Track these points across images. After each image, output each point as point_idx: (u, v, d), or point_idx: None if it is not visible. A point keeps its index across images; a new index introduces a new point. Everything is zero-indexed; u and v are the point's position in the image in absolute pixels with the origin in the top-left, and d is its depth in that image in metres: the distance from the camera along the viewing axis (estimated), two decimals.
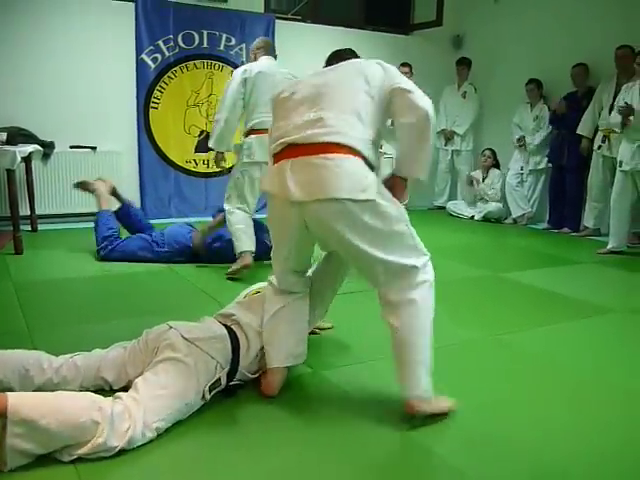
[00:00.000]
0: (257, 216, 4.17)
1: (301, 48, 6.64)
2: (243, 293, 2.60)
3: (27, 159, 4.89)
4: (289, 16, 6.66)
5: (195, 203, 6.25)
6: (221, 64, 6.20)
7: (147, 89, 5.95)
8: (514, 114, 6.65)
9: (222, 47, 6.20)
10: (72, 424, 1.67)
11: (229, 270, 3.80)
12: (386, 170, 2.16)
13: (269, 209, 2.13)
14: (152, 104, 5.98)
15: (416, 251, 2.01)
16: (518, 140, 6.57)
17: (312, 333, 2.56)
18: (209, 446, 1.87)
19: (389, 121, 2.11)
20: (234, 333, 2.17)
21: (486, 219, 6.77)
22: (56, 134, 5.35)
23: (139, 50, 5.85)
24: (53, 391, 1.86)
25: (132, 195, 5.94)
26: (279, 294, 2.24)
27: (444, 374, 2.15)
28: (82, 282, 3.74)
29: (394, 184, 2.05)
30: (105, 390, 2.06)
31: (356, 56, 2.34)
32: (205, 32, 6.07)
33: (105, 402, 1.78)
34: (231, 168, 4.10)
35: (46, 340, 2.60)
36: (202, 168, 6.27)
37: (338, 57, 2.31)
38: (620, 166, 5.05)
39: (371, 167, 1.96)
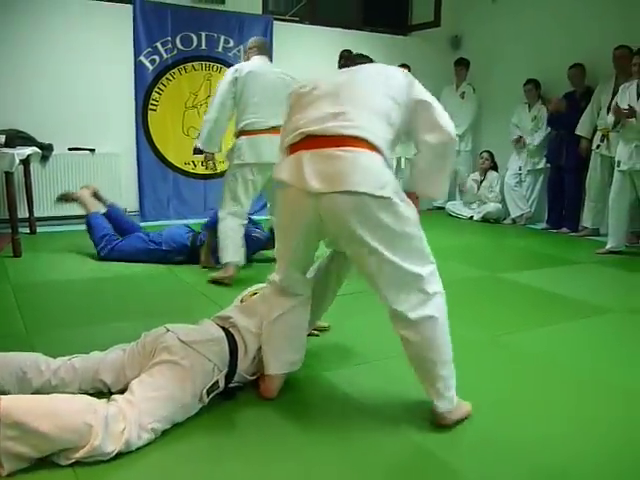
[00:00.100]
0: (256, 217, 4.19)
1: (299, 49, 6.65)
2: (240, 296, 2.59)
3: (25, 161, 4.89)
4: (287, 17, 6.67)
5: (194, 205, 6.25)
6: (219, 66, 6.20)
7: (145, 91, 5.94)
8: (512, 114, 6.66)
9: (220, 49, 6.20)
10: (66, 427, 1.66)
11: (212, 275, 3.78)
12: None
13: (280, 200, 2.07)
14: (150, 106, 5.98)
15: (424, 257, 1.96)
16: (516, 141, 6.57)
17: (309, 334, 2.55)
18: (207, 449, 1.86)
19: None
20: (232, 335, 2.17)
21: (485, 219, 6.77)
22: (54, 136, 5.34)
23: (137, 52, 5.84)
24: (51, 393, 1.86)
25: (131, 197, 5.98)
26: (280, 295, 2.19)
27: None
28: (81, 284, 3.74)
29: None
30: (103, 392, 2.06)
31: (370, 60, 2.31)
32: (203, 34, 6.07)
33: (99, 405, 1.77)
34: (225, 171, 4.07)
35: (44, 342, 2.59)
36: (201, 170, 6.26)
37: (351, 60, 2.25)
38: (618, 166, 5.06)
39: (388, 166, 1.95)
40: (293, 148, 1.98)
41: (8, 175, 4.25)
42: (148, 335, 2.13)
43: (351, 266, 2.36)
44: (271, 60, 3.94)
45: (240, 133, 3.82)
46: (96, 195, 4.62)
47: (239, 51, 6.24)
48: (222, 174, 4.47)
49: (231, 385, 2.14)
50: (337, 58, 7.33)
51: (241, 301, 2.44)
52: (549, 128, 6.32)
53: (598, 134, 5.68)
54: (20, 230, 4.45)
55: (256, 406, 2.14)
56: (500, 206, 6.79)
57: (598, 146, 5.67)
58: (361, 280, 2.07)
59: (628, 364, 2.68)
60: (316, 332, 2.74)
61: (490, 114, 7.14)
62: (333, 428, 2.00)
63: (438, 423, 2.00)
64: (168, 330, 2.09)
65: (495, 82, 7.09)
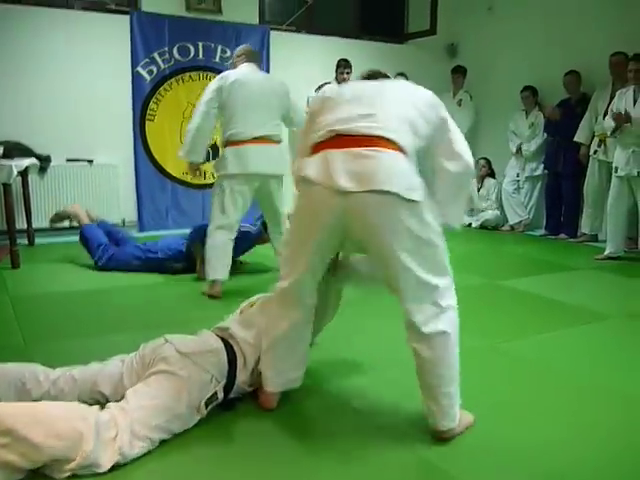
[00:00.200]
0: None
1: (296, 58, 6.67)
2: (240, 307, 2.54)
3: (24, 173, 4.90)
4: (284, 27, 6.69)
5: (192, 215, 6.25)
6: (217, 75, 6.20)
7: (143, 101, 5.96)
8: (509, 121, 6.68)
9: (217, 59, 6.22)
10: (56, 434, 1.65)
11: (203, 290, 3.75)
12: None
13: (302, 198, 1.98)
14: (148, 116, 5.99)
15: (442, 268, 1.95)
16: (517, 150, 6.58)
17: None
18: (206, 460, 1.86)
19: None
20: (231, 346, 2.16)
21: (483, 227, 6.77)
22: (52, 148, 5.34)
23: (134, 63, 5.87)
24: None
25: (129, 208, 5.98)
26: (285, 305, 2.11)
27: None
28: (79, 295, 3.73)
29: None
30: (102, 403, 2.04)
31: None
32: (200, 44, 6.10)
33: (90, 412, 1.77)
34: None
35: (43, 354, 2.58)
36: (199, 180, 6.27)
37: (377, 74, 2.23)
38: (616, 172, 5.07)
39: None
40: (319, 147, 1.93)
41: (6, 187, 4.26)
42: (147, 346, 2.12)
43: (351, 282, 2.35)
44: (268, 68, 3.92)
45: (226, 143, 3.76)
46: (88, 215, 4.64)
47: None
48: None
49: (230, 396, 2.13)
50: (334, 67, 7.41)
51: (240, 312, 2.42)
52: (546, 135, 6.34)
53: (595, 140, 5.69)
54: (18, 241, 4.45)
55: (255, 417, 2.13)
56: (498, 213, 6.79)
57: (595, 152, 5.68)
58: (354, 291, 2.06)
59: (627, 370, 2.68)
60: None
61: (487, 121, 7.16)
62: (333, 440, 1.99)
63: (438, 438, 1.99)
64: (167, 341, 2.08)
65: (492, 89, 7.11)
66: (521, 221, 6.64)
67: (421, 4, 7.38)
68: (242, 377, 2.16)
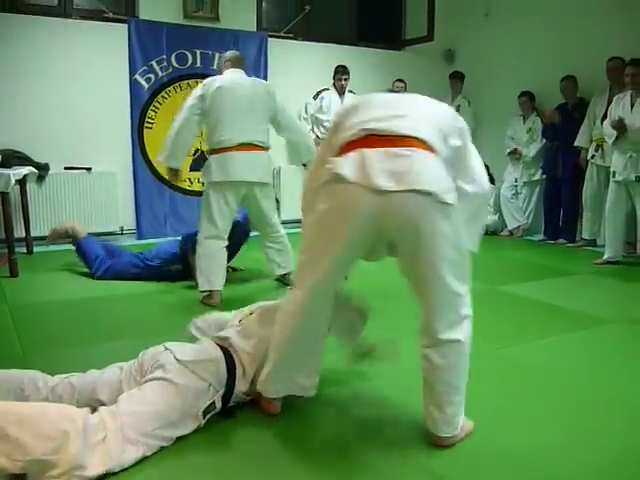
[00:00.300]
0: (255, 233, 4.18)
1: (294, 65, 6.70)
2: (239, 316, 2.52)
3: (22, 181, 4.90)
4: (281, 34, 6.70)
5: (191, 222, 6.19)
6: None
7: (141, 109, 5.97)
8: (507, 127, 6.69)
9: (215, 66, 6.21)
10: (42, 434, 1.64)
11: (201, 300, 3.71)
12: None
13: (331, 199, 1.88)
14: (146, 124, 5.99)
15: (465, 275, 1.93)
16: (511, 153, 6.59)
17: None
18: (203, 468, 1.85)
19: None
20: (230, 356, 2.15)
21: None
22: (51, 156, 5.36)
23: (132, 71, 5.87)
24: None
25: (128, 215, 5.98)
26: (298, 316, 2.03)
27: None
28: (78, 304, 3.72)
29: None
30: None
31: None
32: (198, 51, 6.11)
33: (79, 414, 1.76)
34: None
35: (41, 363, 2.56)
36: (197, 187, 6.27)
37: (395, 92, 2.26)
38: (613, 177, 5.07)
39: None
40: (352, 145, 1.88)
41: (4, 195, 4.25)
42: (146, 353, 2.12)
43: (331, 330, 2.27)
44: (265, 75, 3.90)
45: (211, 151, 3.74)
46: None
47: None
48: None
49: (230, 405, 2.13)
50: (332, 73, 7.42)
51: (239, 321, 2.41)
52: (544, 140, 6.35)
53: (593, 144, 5.71)
54: (17, 250, 4.44)
55: (256, 425, 2.11)
56: (497, 218, 6.79)
57: (593, 156, 5.69)
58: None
59: (628, 375, 2.67)
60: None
61: (485, 127, 7.16)
62: (332, 448, 1.98)
63: (437, 444, 1.98)
64: (166, 348, 2.08)
65: (490, 95, 7.12)
66: (520, 226, 6.65)
67: (418, 10, 7.40)
68: (241, 387, 2.15)
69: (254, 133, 3.73)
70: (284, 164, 6.45)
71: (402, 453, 1.94)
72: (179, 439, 1.95)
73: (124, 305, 3.73)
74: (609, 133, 5.10)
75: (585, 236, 5.91)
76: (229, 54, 3.96)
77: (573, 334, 3.25)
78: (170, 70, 6.02)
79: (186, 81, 6.12)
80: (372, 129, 1.85)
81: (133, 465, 1.79)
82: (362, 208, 1.80)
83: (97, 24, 5.72)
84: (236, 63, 3.89)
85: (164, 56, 5.99)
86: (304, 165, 4.22)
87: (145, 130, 5.99)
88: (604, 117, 5.34)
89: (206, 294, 3.66)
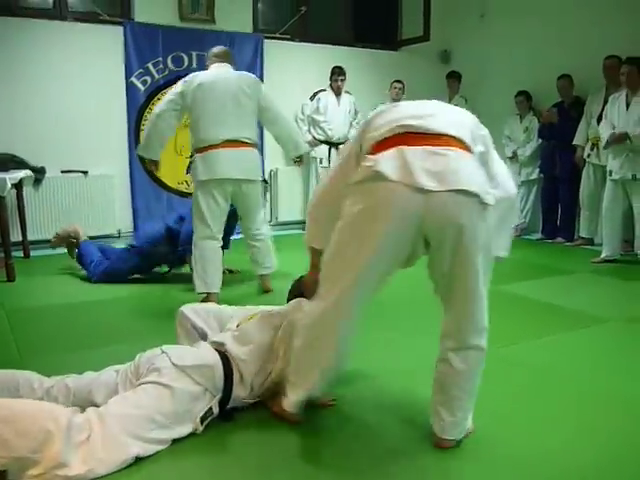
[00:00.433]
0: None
1: (290, 66, 6.69)
2: (237, 320, 2.46)
3: (18, 185, 4.88)
4: (277, 35, 6.69)
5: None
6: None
7: (137, 112, 5.95)
8: (504, 126, 6.68)
9: None
10: (23, 432, 1.63)
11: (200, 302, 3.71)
12: None
13: (366, 198, 1.77)
14: (143, 127, 5.95)
15: (488, 280, 1.89)
16: (513, 155, 6.58)
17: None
18: (199, 471, 1.84)
19: None
20: (228, 360, 2.12)
21: None
22: (47, 159, 5.34)
23: (128, 73, 5.86)
24: None
25: (125, 218, 5.97)
26: (326, 331, 1.92)
27: None
28: (75, 308, 3.71)
29: None
30: None
31: None
32: (194, 53, 6.09)
33: (63, 412, 1.75)
34: None
35: (38, 367, 2.52)
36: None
37: None
38: (610, 175, 5.08)
39: None
40: (387, 143, 1.79)
41: (0, 199, 4.23)
42: (143, 356, 2.10)
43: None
44: (262, 76, 3.85)
45: (196, 150, 3.69)
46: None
47: None
48: None
49: (228, 407, 2.12)
50: (329, 74, 7.41)
51: (237, 325, 2.39)
52: (540, 139, 6.35)
53: (588, 143, 5.71)
54: (14, 254, 4.42)
55: (255, 428, 2.10)
56: None
57: (589, 155, 5.70)
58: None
59: (627, 373, 2.67)
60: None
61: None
62: (334, 449, 1.96)
63: (439, 445, 1.97)
64: (163, 352, 2.07)
65: (486, 94, 7.12)
66: (517, 225, 6.63)
67: (414, 11, 7.40)
68: (239, 392, 2.13)
69: (239, 129, 3.65)
70: (281, 166, 6.48)
71: (405, 455, 1.93)
72: (175, 442, 1.94)
73: (121, 308, 3.71)
74: (604, 136, 5.10)
75: (583, 234, 5.92)
76: (215, 49, 3.88)
77: (572, 333, 3.24)
78: (166, 72, 6.01)
79: None
80: (408, 126, 1.79)
81: (127, 467, 1.78)
82: (404, 207, 1.72)
83: (92, 26, 5.70)
84: (222, 57, 3.80)
85: (160, 58, 5.98)
86: (295, 162, 4.18)
87: (142, 133, 5.93)
88: (600, 116, 5.35)
89: (204, 296, 3.64)
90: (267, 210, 6.79)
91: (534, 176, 6.53)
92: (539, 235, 6.44)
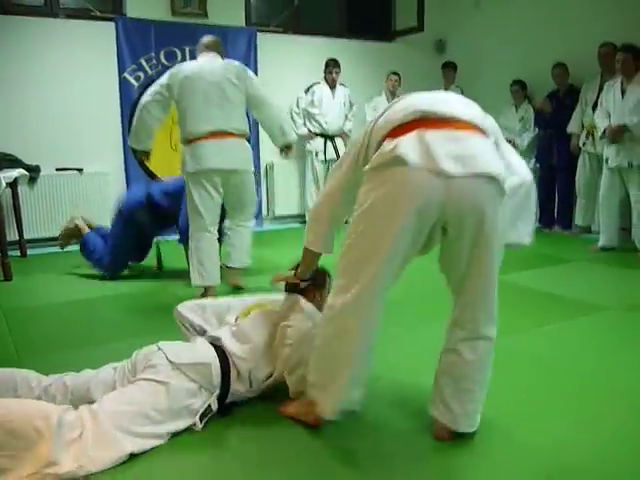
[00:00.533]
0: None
1: (284, 60, 6.66)
2: (235, 313, 2.45)
3: (13, 184, 4.86)
4: (271, 28, 6.66)
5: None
6: None
7: (131, 108, 5.90)
8: (500, 116, 6.66)
9: None
10: (13, 432, 1.64)
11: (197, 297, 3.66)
12: None
13: (386, 184, 1.70)
14: None
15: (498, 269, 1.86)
16: (510, 144, 6.57)
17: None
18: (196, 466, 1.84)
19: None
20: (225, 355, 2.11)
21: None
22: (42, 157, 5.32)
23: (121, 69, 5.84)
24: None
25: None
26: (350, 325, 1.81)
27: None
28: (72, 306, 3.70)
29: None
30: None
31: None
32: (187, 48, 6.05)
33: (54, 410, 1.75)
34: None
35: (36, 366, 2.51)
36: None
37: None
38: (607, 163, 5.07)
39: None
40: (406, 127, 1.73)
41: None
42: (140, 353, 2.10)
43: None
44: (256, 70, 3.79)
45: (184, 143, 3.67)
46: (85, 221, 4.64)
47: None
48: None
49: (227, 402, 2.11)
50: (323, 67, 7.37)
51: (235, 320, 2.38)
52: (537, 128, 6.34)
53: (584, 131, 5.70)
54: (10, 253, 4.41)
55: (253, 424, 2.09)
56: None
57: (584, 143, 5.69)
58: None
59: (629, 362, 2.67)
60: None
61: None
62: (336, 447, 1.95)
63: (438, 436, 1.96)
64: (159, 348, 2.06)
65: (482, 84, 7.09)
66: None
67: (407, 1, 7.37)
68: (238, 387, 2.12)
69: (226, 120, 3.61)
70: (277, 159, 6.45)
71: (404, 446, 1.93)
72: (171, 438, 1.94)
73: (119, 306, 3.71)
74: (599, 125, 5.09)
75: (579, 223, 5.92)
76: (204, 39, 3.83)
77: (572, 321, 3.25)
78: (159, 68, 5.96)
79: None
80: (425, 111, 1.74)
81: (123, 462, 1.78)
82: (426, 193, 1.66)
83: (84, 23, 5.67)
84: (211, 48, 3.76)
85: (153, 54, 5.95)
86: (281, 151, 4.00)
87: None
88: (595, 104, 5.33)
89: (201, 291, 3.63)
90: (263, 204, 6.79)
91: (531, 166, 6.49)
92: (537, 224, 6.43)
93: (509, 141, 6.50)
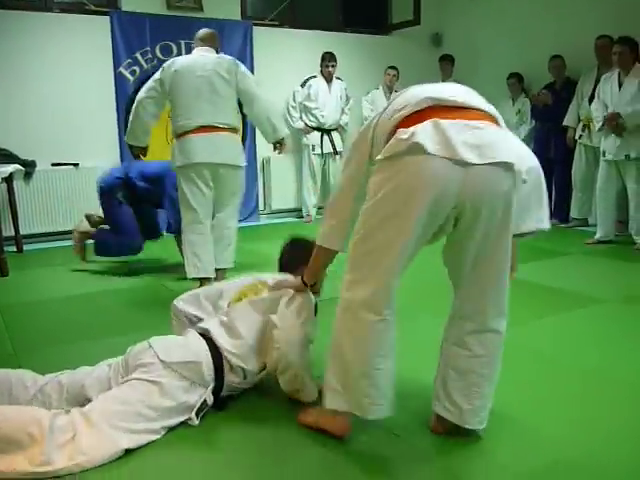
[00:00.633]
0: (244, 224, 4.13)
1: (280, 53, 6.64)
2: (227, 297, 2.40)
3: (8, 179, 4.85)
4: (267, 22, 6.63)
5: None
6: None
7: (127, 102, 5.88)
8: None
9: None
10: (6, 438, 1.65)
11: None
12: None
13: (401, 174, 1.66)
14: None
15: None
16: None
17: None
18: (192, 463, 1.83)
19: None
20: (217, 348, 2.09)
21: None
22: (37, 152, 5.31)
23: (117, 64, 5.81)
24: None
25: None
26: (370, 320, 1.74)
27: None
28: (69, 301, 3.69)
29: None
30: None
31: None
32: (182, 42, 6.02)
33: (46, 415, 1.75)
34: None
35: (33, 362, 2.54)
36: None
37: None
38: (604, 156, 5.06)
39: None
40: (419, 116, 1.68)
41: None
42: (133, 349, 2.09)
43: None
44: (252, 64, 3.77)
45: (174, 136, 3.68)
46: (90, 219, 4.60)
47: None
48: None
49: (223, 394, 2.11)
50: (319, 60, 7.35)
51: (228, 305, 2.34)
52: (533, 121, 6.33)
53: (580, 124, 5.70)
54: (7, 249, 4.40)
55: (249, 419, 2.09)
56: None
57: (580, 136, 5.69)
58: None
59: (629, 354, 2.68)
60: None
61: None
62: (335, 446, 1.92)
63: (436, 429, 1.95)
64: (151, 346, 2.04)
65: (479, 77, 7.06)
66: None
67: None
68: (232, 378, 2.11)
69: (216, 114, 3.59)
70: (273, 153, 6.42)
71: (406, 444, 1.92)
72: (166, 434, 1.94)
73: (116, 300, 3.70)
74: (596, 117, 5.08)
75: (575, 216, 5.91)
76: (200, 32, 3.83)
77: (571, 314, 3.26)
78: (155, 62, 5.93)
79: None
80: (437, 99, 1.71)
81: (118, 458, 1.78)
82: (443, 183, 1.62)
83: (79, 17, 5.63)
84: (207, 41, 3.76)
85: (148, 48, 5.92)
86: (275, 148, 3.96)
87: None
88: (592, 97, 5.33)
89: (198, 283, 3.63)
90: (260, 198, 6.78)
91: None
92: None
93: None
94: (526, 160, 1.86)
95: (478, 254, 1.76)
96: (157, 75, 3.66)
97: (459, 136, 1.62)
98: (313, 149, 6.63)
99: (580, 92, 5.74)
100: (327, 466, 1.82)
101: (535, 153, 6.03)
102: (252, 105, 3.76)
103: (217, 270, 3.79)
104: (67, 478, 1.68)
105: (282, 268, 2.48)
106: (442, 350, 1.92)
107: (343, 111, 6.72)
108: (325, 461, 1.84)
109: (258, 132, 5.90)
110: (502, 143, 1.69)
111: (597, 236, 5.15)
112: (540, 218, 1.97)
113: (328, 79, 6.57)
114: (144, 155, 3.95)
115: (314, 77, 6.62)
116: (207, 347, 2.08)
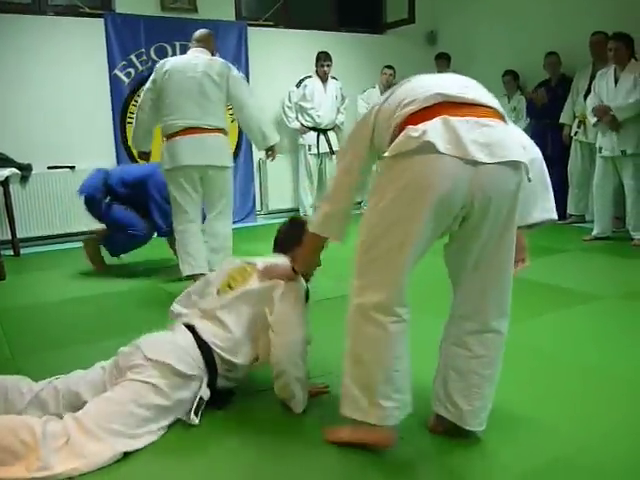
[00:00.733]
0: (240, 225, 4.12)
1: (275, 54, 6.63)
2: (217, 283, 2.35)
3: (4, 183, 4.84)
4: (261, 22, 6.62)
5: None
6: None
7: (122, 105, 5.89)
8: None
9: None
10: (1, 446, 1.65)
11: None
12: None
13: (410, 172, 1.62)
14: (128, 119, 5.91)
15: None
16: None
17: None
18: (192, 464, 1.82)
19: None
20: (204, 342, 2.09)
21: None
22: (33, 156, 5.30)
23: (112, 66, 5.80)
24: (34, 415, 1.85)
25: None
26: (385, 323, 1.71)
27: None
28: (67, 305, 3.68)
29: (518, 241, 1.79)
30: None
31: None
32: (177, 43, 6.02)
33: (38, 423, 1.75)
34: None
35: (31, 366, 2.55)
36: None
37: None
38: (600, 152, 5.06)
39: None
40: (428, 113, 1.65)
41: None
42: (122, 351, 2.08)
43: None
44: (247, 64, 3.76)
45: (164, 138, 3.67)
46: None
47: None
48: None
49: (221, 386, 2.10)
50: (314, 60, 7.34)
51: (217, 292, 2.30)
52: (529, 119, 6.33)
53: (575, 121, 5.70)
54: (3, 253, 4.39)
55: (248, 419, 2.08)
56: None
57: (576, 133, 5.69)
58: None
59: (629, 350, 2.68)
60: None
61: None
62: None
63: (434, 429, 1.94)
64: (138, 347, 2.03)
65: (474, 75, 6.79)
66: None
67: None
68: (224, 370, 2.11)
69: (202, 116, 3.58)
70: None
71: (411, 448, 1.90)
72: (167, 433, 1.94)
73: (114, 303, 3.69)
74: (592, 112, 5.08)
75: (571, 212, 5.91)
76: (196, 33, 3.82)
77: (569, 310, 3.26)
78: (150, 64, 5.91)
79: None
80: (445, 95, 1.67)
81: (117, 461, 1.78)
82: (453, 181, 1.60)
83: (73, 20, 5.62)
84: (200, 42, 3.75)
85: (143, 49, 5.91)
86: (267, 155, 3.92)
87: (128, 126, 5.90)
88: (587, 93, 5.33)
89: (192, 282, 3.62)
90: (257, 199, 6.77)
91: None
92: None
93: None
94: (529, 152, 1.84)
95: (481, 253, 1.74)
96: (152, 76, 3.67)
97: (469, 134, 1.60)
98: (309, 149, 6.62)
99: (575, 88, 5.74)
100: (326, 466, 1.81)
101: None
102: (242, 112, 3.75)
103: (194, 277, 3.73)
104: None
105: (277, 247, 2.44)
106: (441, 350, 1.91)
107: (339, 110, 6.72)
108: (324, 462, 1.83)
109: None
110: (510, 142, 1.67)
111: (594, 232, 5.15)
112: (547, 208, 1.97)
113: (323, 79, 6.57)
114: (147, 160, 3.96)
115: (309, 77, 6.61)
116: (194, 340, 2.08)
